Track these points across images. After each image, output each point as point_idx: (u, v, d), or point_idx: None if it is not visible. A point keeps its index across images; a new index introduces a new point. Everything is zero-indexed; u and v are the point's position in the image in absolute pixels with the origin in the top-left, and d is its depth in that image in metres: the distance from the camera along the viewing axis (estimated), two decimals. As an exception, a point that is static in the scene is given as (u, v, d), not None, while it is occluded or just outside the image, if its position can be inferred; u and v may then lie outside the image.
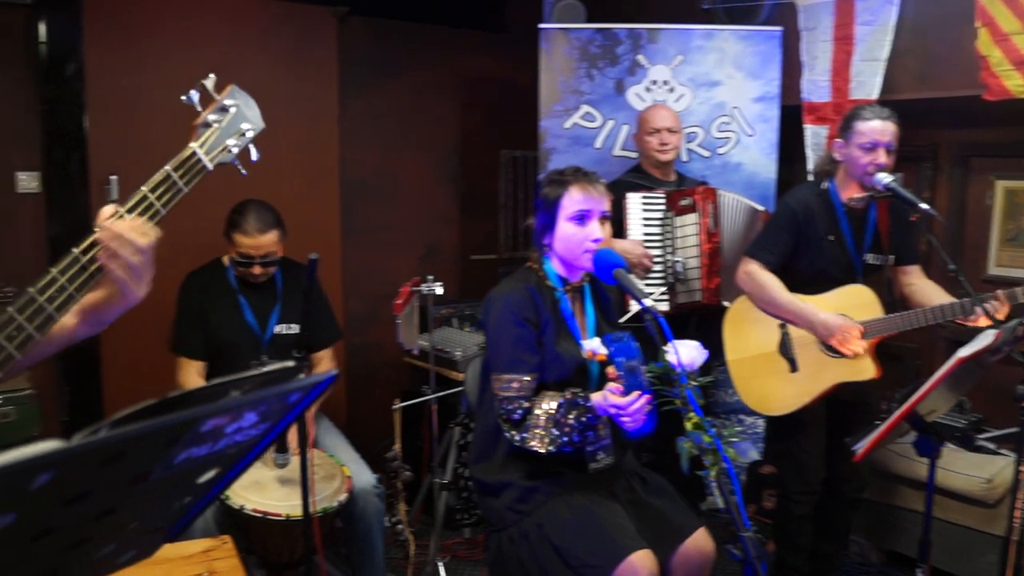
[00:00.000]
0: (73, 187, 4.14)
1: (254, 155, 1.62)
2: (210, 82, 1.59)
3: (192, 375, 3.40)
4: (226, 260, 3.49)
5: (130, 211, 1.44)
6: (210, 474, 0.96)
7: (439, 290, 3.52)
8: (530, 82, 4.55)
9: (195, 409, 0.78)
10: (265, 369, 0.93)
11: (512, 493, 2.64)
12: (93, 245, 1.38)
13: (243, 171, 1.61)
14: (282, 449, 2.95)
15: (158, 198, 1.46)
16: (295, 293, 3.49)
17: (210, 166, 1.53)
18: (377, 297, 4.95)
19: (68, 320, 1.40)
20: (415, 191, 5.28)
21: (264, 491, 3.02)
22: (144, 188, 1.46)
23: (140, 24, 4.29)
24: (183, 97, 1.59)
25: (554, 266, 2.73)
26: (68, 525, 0.81)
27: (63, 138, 4.12)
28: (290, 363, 0.99)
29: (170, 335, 3.45)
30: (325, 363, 3.60)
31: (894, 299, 3.46)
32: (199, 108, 1.59)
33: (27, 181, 4.09)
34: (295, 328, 3.47)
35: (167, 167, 1.49)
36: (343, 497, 3.10)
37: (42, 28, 4.03)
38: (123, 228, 1.39)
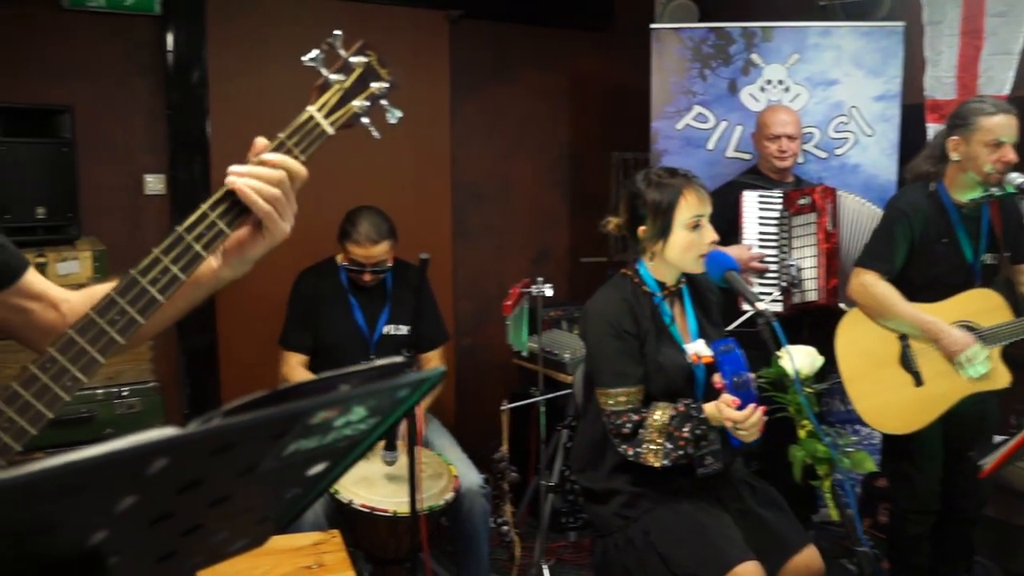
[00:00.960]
0: (196, 189, 4.29)
1: (393, 118, 1.45)
2: (337, 39, 1.43)
3: (295, 367, 3.49)
4: (340, 259, 3.56)
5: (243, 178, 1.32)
6: (319, 467, 0.96)
7: (549, 292, 3.51)
8: (641, 83, 4.50)
9: (303, 401, 0.79)
10: (374, 364, 0.92)
11: (619, 499, 2.61)
12: (226, 197, 1.30)
13: (376, 134, 1.45)
14: (391, 446, 3.00)
15: (272, 165, 1.34)
16: (404, 294, 3.54)
17: (330, 130, 1.38)
18: (487, 299, 4.98)
19: (212, 262, 1.33)
20: (526, 193, 5.29)
21: (372, 487, 3.07)
22: (259, 158, 1.35)
23: (260, 32, 4.42)
24: (304, 58, 1.42)
25: (650, 270, 2.68)
26: (183, 510, 0.83)
27: (187, 142, 4.28)
28: (399, 358, 0.98)
29: (282, 331, 3.54)
30: (434, 364, 3.63)
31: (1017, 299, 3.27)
32: (321, 68, 1.43)
33: (154, 183, 4.26)
34: (403, 329, 3.52)
35: (280, 135, 1.35)
36: (449, 496, 3.12)
37: (169, 38, 4.20)
38: (255, 170, 1.31)
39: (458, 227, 5.02)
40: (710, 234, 2.58)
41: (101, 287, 1.37)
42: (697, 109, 4.41)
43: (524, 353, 3.88)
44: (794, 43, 4.30)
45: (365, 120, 1.43)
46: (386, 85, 1.45)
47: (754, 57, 4.33)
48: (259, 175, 1.30)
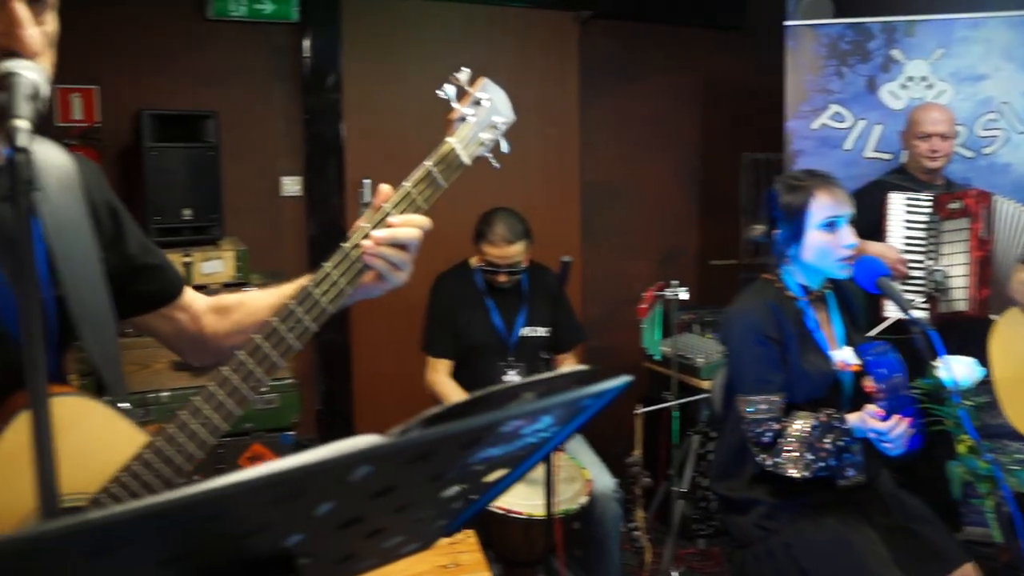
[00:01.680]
0: (330, 191, 4.39)
1: (504, 147, 1.59)
2: (464, 76, 1.56)
3: (441, 374, 3.52)
4: (474, 262, 3.58)
5: (395, 206, 1.44)
6: (498, 474, 0.97)
7: (684, 295, 3.45)
8: (773, 82, 4.39)
9: (500, 412, 0.78)
10: (561, 372, 0.92)
11: (759, 510, 2.54)
12: (356, 247, 1.40)
13: (496, 164, 1.58)
14: (526, 449, 2.99)
15: (419, 194, 1.46)
16: (541, 296, 3.54)
17: (467, 160, 1.52)
18: (616, 301, 4.95)
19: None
20: (654, 195, 5.23)
21: (508, 489, 3.07)
22: (407, 184, 1.46)
23: (392, 37, 4.50)
24: (439, 92, 1.57)
25: (794, 275, 2.60)
26: (372, 515, 0.84)
27: (322, 145, 4.39)
28: (585, 367, 0.98)
29: (422, 335, 3.58)
30: (569, 364, 3.63)
31: None
32: (454, 103, 1.57)
33: (290, 185, 4.39)
34: (541, 331, 3.52)
35: (427, 163, 1.48)
36: (583, 500, 3.10)
37: (306, 43, 4.32)
38: (389, 233, 1.40)
39: (586, 228, 5.00)
40: (848, 236, 2.49)
41: (235, 299, 1.56)
42: (834, 108, 4.27)
43: (657, 357, 3.83)
44: (939, 37, 4.12)
45: (489, 154, 1.56)
46: (508, 120, 1.58)
47: (895, 53, 4.17)
48: (393, 239, 1.39)
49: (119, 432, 1.25)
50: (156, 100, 3.87)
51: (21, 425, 1.13)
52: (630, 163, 5.14)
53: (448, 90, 1.56)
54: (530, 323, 3.53)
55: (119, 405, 1.26)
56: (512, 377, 3.49)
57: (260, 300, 1.55)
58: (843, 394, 2.51)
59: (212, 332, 1.56)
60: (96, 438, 1.21)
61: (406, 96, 4.47)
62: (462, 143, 1.52)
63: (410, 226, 1.40)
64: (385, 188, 1.44)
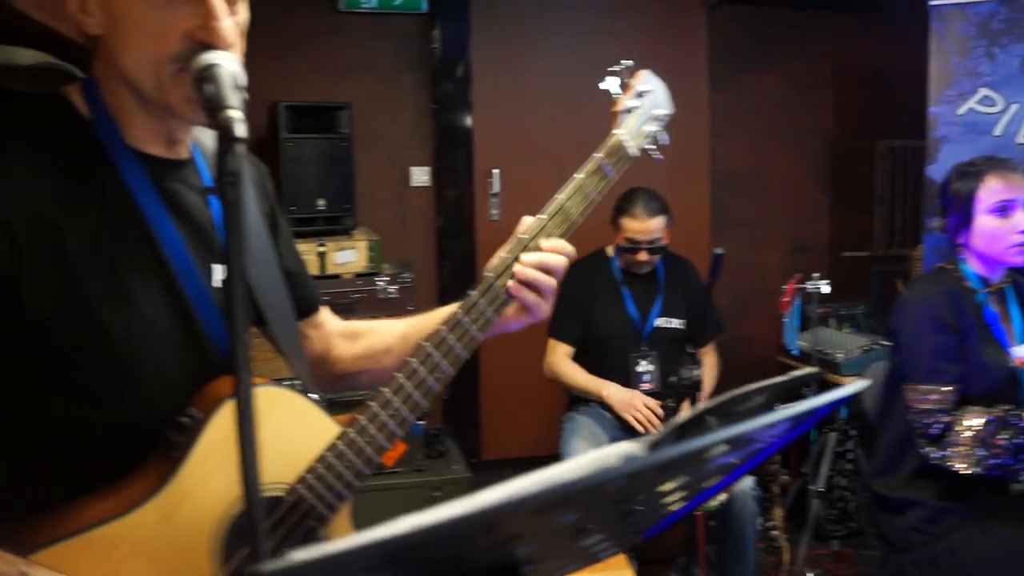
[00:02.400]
0: (459, 181, 4.40)
1: (665, 138, 1.56)
2: (625, 68, 1.56)
3: (562, 357, 3.49)
4: (609, 251, 3.54)
5: (566, 198, 1.43)
6: (714, 479, 0.93)
7: (826, 288, 3.33)
8: (912, 66, 4.19)
9: (752, 422, 0.74)
10: (791, 376, 0.87)
11: (919, 512, 2.42)
12: (507, 271, 1.37)
13: (658, 156, 1.56)
14: (665, 444, 2.93)
15: (592, 187, 1.45)
16: (677, 287, 3.49)
17: (635, 152, 1.50)
18: (745, 292, 4.84)
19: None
20: (784, 184, 5.09)
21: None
22: (579, 176, 1.45)
23: (521, 25, 4.49)
24: (602, 85, 1.57)
25: (972, 266, 2.48)
26: (600, 523, 0.81)
27: (451, 135, 4.40)
28: (813, 369, 0.92)
29: (550, 319, 3.55)
30: (709, 357, 3.55)
31: None
32: (618, 95, 1.55)
33: (419, 175, 4.41)
34: (675, 323, 3.45)
35: (596, 155, 1.47)
36: (723, 497, 3.03)
37: (436, 34, 4.32)
38: (534, 259, 1.37)
39: (715, 218, 4.90)
40: (1021, 221, 2.36)
41: (365, 325, 1.57)
42: (983, 92, 4.05)
43: (795, 351, 3.71)
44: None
45: (652, 146, 1.54)
46: (668, 112, 1.57)
47: (1054, 31, 3.93)
48: (541, 264, 1.37)
49: (314, 422, 1.25)
50: (290, 92, 3.93)
51: (226, 414, 1.14)
52: (760, 151, 5.00)
53: (610, 83, 1.55)
54: (665, 314, 3.46)
55: (310, 396, 1.26)
56: (645, 367, 3.42)
57: (390, 327, 1.55)
58: (1021, 391, 2.37)
59: (338, 355, 1.56)
60: (292, 427, 1.21)
61: (534, 85, 4.45)
62: (630, 135, 1.51)
63: (558, 252, 1.38)
64: (527, 220, 1.42)
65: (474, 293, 1.36)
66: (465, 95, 4.39)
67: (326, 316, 1.58)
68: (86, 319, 1.11)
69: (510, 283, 1.36)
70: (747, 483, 3.19)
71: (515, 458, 4.41)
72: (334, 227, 3.76)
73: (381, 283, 3.67)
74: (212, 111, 0.99)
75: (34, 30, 2.11)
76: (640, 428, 3.22)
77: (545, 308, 1.40)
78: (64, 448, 1.15)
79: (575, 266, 3.77)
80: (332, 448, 1.24)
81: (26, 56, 2.16)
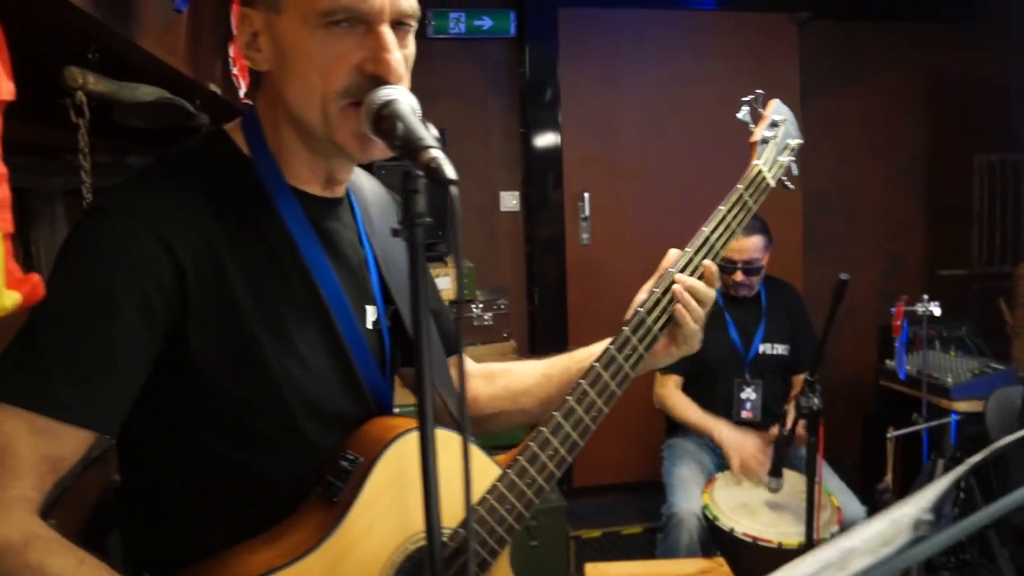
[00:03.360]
0: (548, 205, 4.37)
1: (794, 169, 1.57)
2: (756, 97, 1.56)
3: (672, 389, 3.42)
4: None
5: (712, 231, 1.42)
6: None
7: (937, 311, 3.22)
8: (1009, 77, 4.07)
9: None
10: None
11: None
12: (656, 304, 1.36)
13: (790, 186, 1.56)
14: (776, 472, 2.85)
15: (733, 218, 1.44)
16: (779, 311, 3.41)
17: (772, 183, 1.50)
18: (838, 312, 4.71)
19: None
20: (877, 201, 4.96)
21: (754, 515, 2.94)
22: (723, 208, 1.45)
23: (609, 48, 4.46)
24: (738, 115, 1.56)
25: None
26: None
27: (540, 159, 4.38)
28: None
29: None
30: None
31: None
32: (751, 125, 1.55)
33: (508, 199, 4.40)
34: (779, 348, 3.38)
35: (739, 186, 1.47)
36: (835, 529, 2.93)
37: (524, 57, 4.31)
38: (688, 283, 1.36)
39: (807, 237, 4.79)
40: None
41: (501, 367, 1.55)
42: (1091, 103, 3.92)
43: (903, 376, 3.59)
44: None
45: (784, 177, 1.54)
46: (800, 142, 1.57)
47: None
48: (694, 288, 1.36)
49: (475, 462, 1.23)
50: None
51: (391, 458, 1.13)
52: (852, 168, 4.89)
53: (744, 112, 1.56)
54: (768, 339, 3.38)
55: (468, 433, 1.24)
56: (748, 394, 3.35)
57: (527, 368, 1.53)
58: None
59: (475, 395, 1.54)
60: (454, 470, 1.20)
61: (623, 107, 4.42)
62: (767, 165, 1.51)
63: (709, 281, 1.39)
64: (672, 251, 1.41)
65: (626, 330, 1.34)
66: (554, 118, 4.37)
67: (465, 358, 1.56)
68: (250, 362, 1.11)
69: (678, 306, 1.35)
70: (859, 513, 3.09)
71: (609, 484, 4.36)
72: (429, 254, 3.74)
73: (476, 311, 3.65)
74: (411, 152, 0.96)
75: (150, 66, 2.13)
76: (741, 475, 3.13)
77: (697, 340, 1.39)
78: (223, 491, 1.15)
79: (678, 292, 3.71)
80: (493, 491, 1.23)
81: (148, 92, 2.19)
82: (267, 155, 1.18)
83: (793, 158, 1.55)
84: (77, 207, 1.81)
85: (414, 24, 1.15)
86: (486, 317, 3.65)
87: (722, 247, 1.42)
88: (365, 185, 1.39)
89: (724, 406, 3.30)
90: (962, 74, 4.93)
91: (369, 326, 1.26)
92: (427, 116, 3.85)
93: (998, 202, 4.95)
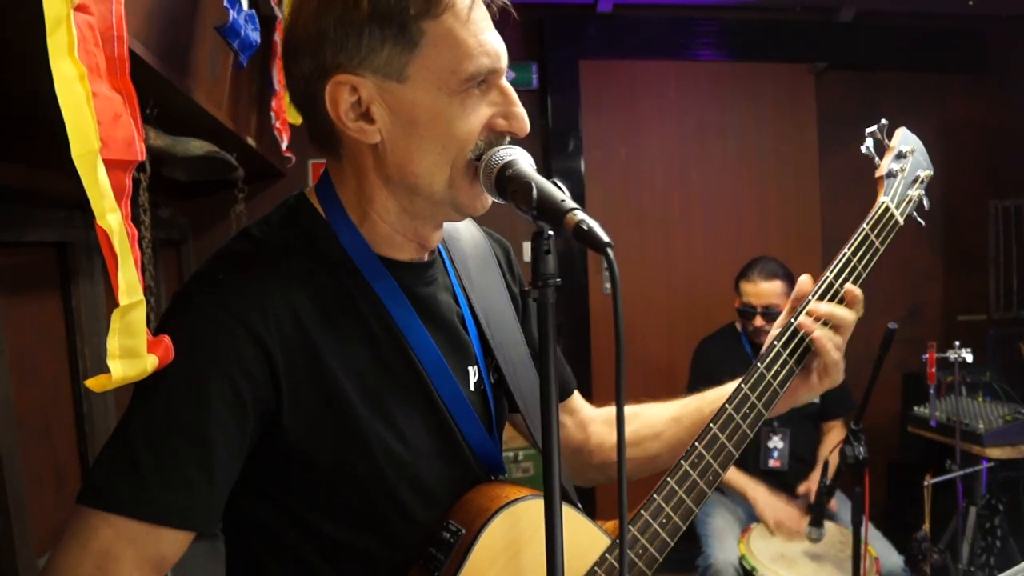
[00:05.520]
0: (571, 254, 4.38)
1: (926, 203, 1.48)
2: (879, 127, 1.50)
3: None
4: (739, 325, 3.48)
5: (835, 276, 1.38)
6: None
7: (969, 358, 3.22)
8: (1022, 124, 4.11)
9: None
10: None
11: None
12: (792, 336, 1.31)
13: (922, 221, 1.49)
14: (817, 522, 2.83)
15: (859, 261, 1.40)
16: (807, 360, 3.41)
17: (901, 220, 1.43)
18: (855, 358, 4.69)
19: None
20: (895, 247, 4.88)
21: (793, 566, 2.92)
22: (847, 251, 1.40)
23: (630, 98, 4.52)
24: (863, 148, 1.51)
25: None
26: None
27: (563, 208, 4.39)
28: None
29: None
30: (835, 432, 3.46)
31: None
32: (877, 158, 1.51)
33: (532, 250, 4.40)
34: (807, 398, 3.37)
35: (864, 226, 1.41)
36: (871, 580, 2.91)
37: (547, 108, 4.35)
38: (829, 311, 1.31)
39: (828, 285, 4.81)
40: None
41: (631, 410, 1.46)
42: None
43: (933, 423, 3.59)
44: None
45: (915, 212, 1.45)
46: (930, 173, 1.48)
47: None
48: (831, 316, 1.32)
49: (583, 533, 1.20)
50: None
51: (494, 530, 1.10)
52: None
53: (868, 144, 1.50)
54: (796, 386, 3.38)
55: (574, 502, 1.22)
56: (775, 443, 3.34)
57: (658, 411, 1.47)
58: None
59: (599, 442, 1.48)
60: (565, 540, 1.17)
61: (645, 157, 4.47)
62: (895, 201, 1.44)
63: (848, 309, 1.33)
64: (805, 278, 1.37)
65: (760, 365, 1.30)
66: (577, 168, 4.40)
67: (581, 402, 1.51)
68: (349, 443, 1.08)
69: (816, 334, 1.29)
70: (897, 563, 3.07)
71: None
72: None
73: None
74: (551, 216, 0.95)
75: (204, 120, 2.15)
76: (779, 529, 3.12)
77: (840, 370, 1.34)
78: (322, 565, 1.12)
79: (705, 342, 3.76)
80: (602, 562, 1.19)
81: (197, 147, 2.21)
82: (348, 224, 1.14)
83: (923, 191, 1.47)
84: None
85: None
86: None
87: (843, 292, 1.36)
88: (463, 234, 1.35)
89: (752, 455, 3.29)
90: (976, 122, 4.99)
91: (471, 388, 1.22)
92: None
93: (1014, 247, 4.98)
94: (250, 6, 2.06)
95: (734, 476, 3.27)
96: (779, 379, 1.30)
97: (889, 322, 2.43)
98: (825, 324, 1.31)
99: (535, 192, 0.97)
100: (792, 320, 1.32)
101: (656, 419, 1.45)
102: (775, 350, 1.30)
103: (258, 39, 2.10)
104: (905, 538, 3.54)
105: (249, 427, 1.04)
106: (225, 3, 1.85)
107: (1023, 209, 4.92)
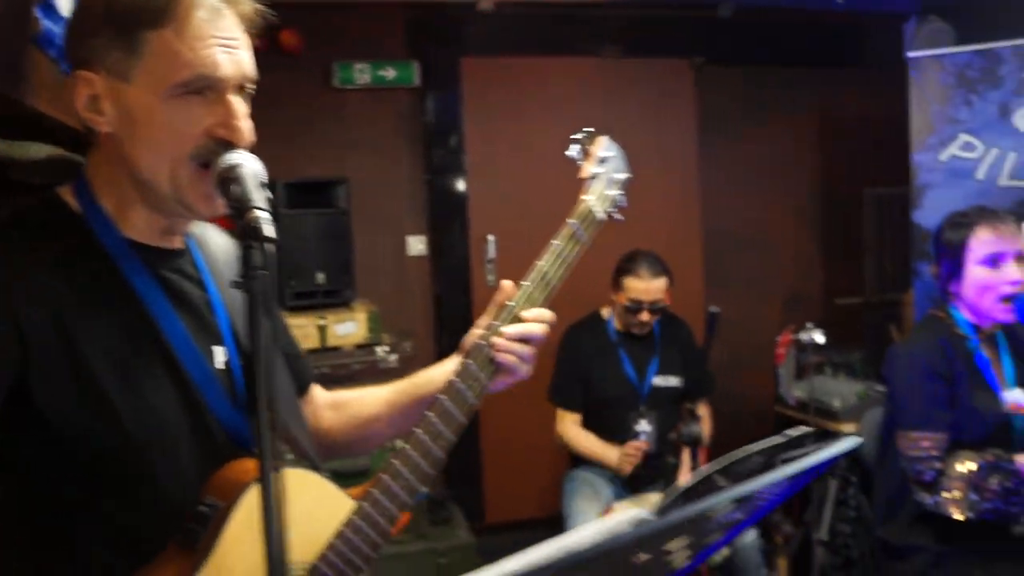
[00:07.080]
0: (455, 248, 4.48)
1: (624, 201, 1.66)
2: (585, 135, 1.65)
3: (570, 425, 3.53)
4: (605, 313, 3.60)
5: (549, 265, 1.49)
6: (721, 533, 1.01)
7: (820, 339, 3.38)
8: (894, 115, 4.29)
9: (761, 481, 0.82)
10: (787, 435, 0.96)
11: (922, 558, 2.45)
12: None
13: (620, 217, 1.65)
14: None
15: (568, 252, 1.52)
16: (672, 345, 3.55)
17: (602, 216, 1.59)
18: (740, 345, 4.86)
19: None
20: (777, 237, 5.16)
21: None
22: (557, 242, 1.52)
23: (512, 95, 4.61)
24: (568, 153, 1.66)
25: (963, 313, 2.54)
26: None
27: (446, 204, 4.49)
28: (807, 429, 1.02)
29: (550, 385, 3.59)
30: (702, 410, 3.59)
31: None
32: (580, 162, 1.65)
33: (416, 244, 4.49)
34: (673, 380, 3.50)
35: (570, 220, 1.55)
36: (727, 552, 3.05)
37: (428, 105, 4.44)
38: (521, 331, 1.42)
39: (709, 274, 4.96)
40: (1013, 273, 2.41)
41: (349, 395, 1.61)
42: (963, 138, 4.14)
43: (791, 402, 3.75)
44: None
45: (614, 209, 1.63)
46: (627, 176, 1.66)
47: (1029, 77, 4.02)
48: (523, 335, 1.42)
49: (330, 498, 1.28)
50: (288, 168, 3.99)
51: (249, 502, 1.15)
52: (751, 206, 5.08)
53: (574, 150, 1.64)
54: (662, 372, 3.51)
55: (322, 470, 1.30)
56: (643, 427, 3.46)
57: (375, 395, 1.58)
58: (1014, 436, 2.42)
59: (328, 426, 1.60)
60: (312, 507, 1.24)
61: (527, 152, 4.55)
62: (596, 200, 1.59)
63: (539, 321, 1.44)
64: (507, 284, 1.47)
65: (469, 362, 1.40)
66: (459, 164, 4.49)
67: (316, 391, 1.62)
68: (97, 411, 1.14)
69: (497, 354, 1.40)
70: (751, 536, 3.21)
71: (519, 520, 4.41)
72: (334, 300, 3.81)
73: (381, 353, 3.73)
74: (239, 211, 1.05)
75: (45, 124, 2.19)
76: (630, 467, 3.26)
77: (527, 370, 1.45)
78: (82, 540, 1.17)
79: (572, 330, 3.86)
80: (349, 523, 1.27)
81: (41, 151, 2.25)
82: (99, 212, 1.22)
83: (621, 192, 1.63)
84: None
85: (253, 87, 1.25)
86: (391, 359, 3.72)
87: (558, 280, 1.49)
88: (212, 239, 1.42)
89: (620, 438, 3.41)
90: (851, 114, 5.19)
91: (220, 366, 1.29)
92: (335, 164, 3.96)
93: (887, 233, 5.19)
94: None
95: (592, 447, 3.44)
96: (486, 373, 1.41)
97: (710, 306, 2.53)
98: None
99: (235, 190, 1.08)
100: (495, 322, 1.43)
101: (374, 402, 1.58)
102: (482, 347, 1.42)
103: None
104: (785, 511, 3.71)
105: None
106: (37, 13, 1.88)
107: (895, 197, 5.11)
